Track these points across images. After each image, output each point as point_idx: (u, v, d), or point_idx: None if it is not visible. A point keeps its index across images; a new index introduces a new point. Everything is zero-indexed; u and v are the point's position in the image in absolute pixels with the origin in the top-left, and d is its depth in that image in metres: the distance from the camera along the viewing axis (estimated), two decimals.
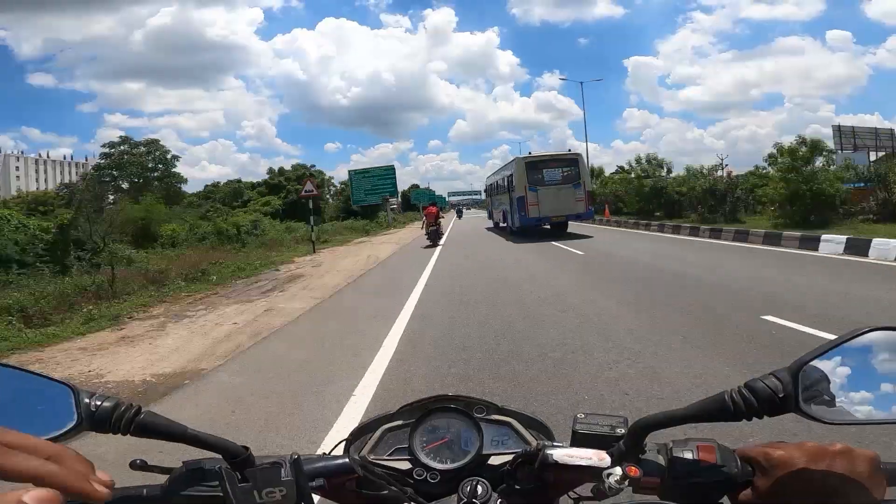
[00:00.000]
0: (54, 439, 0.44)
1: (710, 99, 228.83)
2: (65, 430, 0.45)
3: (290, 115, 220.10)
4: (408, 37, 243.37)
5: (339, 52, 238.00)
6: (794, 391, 0.45)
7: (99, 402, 0.48)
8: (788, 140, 15.61)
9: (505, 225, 20.40)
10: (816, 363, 0.46)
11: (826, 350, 0.46)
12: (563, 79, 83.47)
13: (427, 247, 15.69)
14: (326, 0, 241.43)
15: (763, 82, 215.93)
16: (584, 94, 61.35)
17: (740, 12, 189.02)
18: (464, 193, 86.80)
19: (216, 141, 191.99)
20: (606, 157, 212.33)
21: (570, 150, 17.82)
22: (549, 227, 16.98)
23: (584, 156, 19.96)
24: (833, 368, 0.47)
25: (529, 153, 18.18)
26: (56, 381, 0.48)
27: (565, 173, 16.28)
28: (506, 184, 19.11)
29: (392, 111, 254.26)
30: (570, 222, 17.29)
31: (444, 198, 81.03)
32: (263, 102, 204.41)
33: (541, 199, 16.00)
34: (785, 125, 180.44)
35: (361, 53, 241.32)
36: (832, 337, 0.48)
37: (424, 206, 20.19)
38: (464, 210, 60.46)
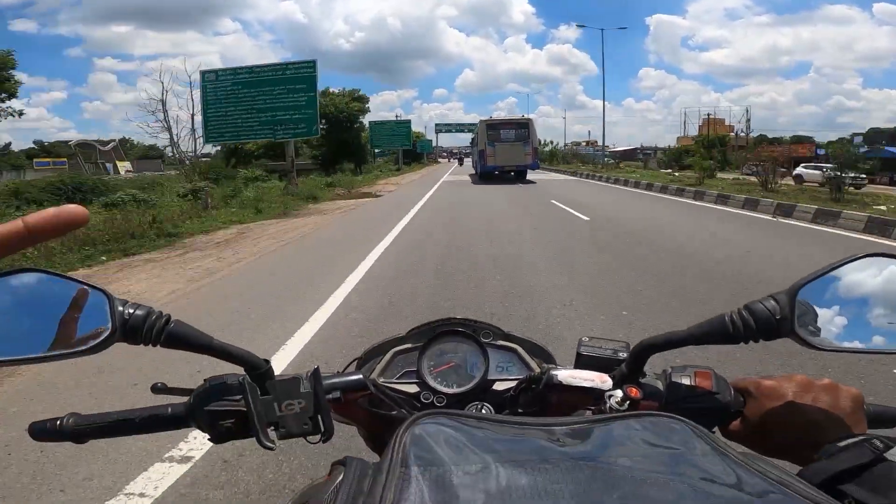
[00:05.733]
0: (91, 349, 0.43)
1: (735, 63, 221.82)
2: (101, 339, 0.44)
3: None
4: None
5: None
6: (790, 314, 0.46)
7: (132, 311, 0.46)
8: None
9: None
10: (811, 287, 0.46)
11: (821, 274, 0.46)
12: (581, 26, 65.57)
13: None
14: None
15: (797, 50, 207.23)
16: (600, 51, 52.48)
17: None
18: (465, 126, 64.38)
19: None
20: (616, 114, 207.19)
21: (523, 116, 23.85)
22: (513, 174, 21.65)
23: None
24: (826, 294, 0.46)
25: (490, 116, 24.72)
26: (93, 286, 0.45)
27: (518, 133, 20.98)
28: (476, 140, 24.45)
29: (397, 58, 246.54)
30: (531, 171, 22.21)
31: (426, 140, 64.44)
32: (263, 47, 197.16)
33: (497, 153, 20.82)
34: (805, 95, 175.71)
35: None
36: None
37: None
38: (465, 159, 52.50)
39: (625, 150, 65.12)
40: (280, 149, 30.62)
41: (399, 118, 46.67)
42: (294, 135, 14.61)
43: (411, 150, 53.10)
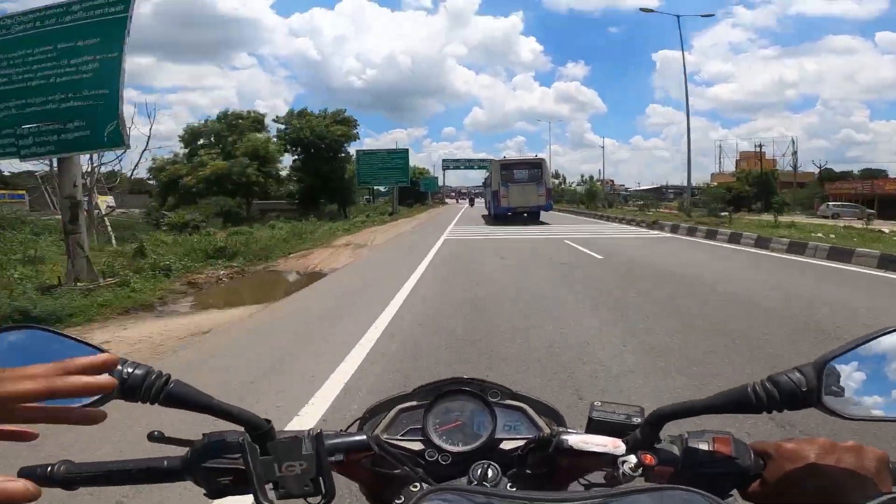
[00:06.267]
0: (85, 406, 0.43)
1: (742, 98, 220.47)
2: (97, 397, 0.44)
3: (303, 96, 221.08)
4: (427, 18, 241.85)
5: (357, 32, 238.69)
6: (818, 386, 0.47)
7: (131, 370, 0.47)
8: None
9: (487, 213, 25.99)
10: (839, 360, 0.47)
11: (851, 348, 0.47)
12: (646, 10, 23.84)
13: None
14: None
15: (802, 83, 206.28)
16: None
17: (790, 8, 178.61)
18: (475, 163, 60.56)
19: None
20: (624, 152, 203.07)
21: (535, 156, 23.20)
22: (525, 215, 21.16)
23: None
24: (854, 366, 0.47)
25: (503, 157, 25.04)
26: (91, 346, 0.47)
27: (531, 174, 21.01)
28: (489, 180, 24.53)
29: (407, 96, 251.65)
30: (544, 212, 21.88)
31: (431, 178, 58.49)
32: (277, 82, 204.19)
33: (510, 194, 20.84)
34: (814, 128, 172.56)
35: (379, 34, 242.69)
36: None
37: None
38: (476, 200, 53.55)
39: (647, 189, 59.14)
40: (247, 179, 26.10)
41: (397, 148, 37.15)
42: (60, 147, 6.40)
43: (412, 189, 45.67)
